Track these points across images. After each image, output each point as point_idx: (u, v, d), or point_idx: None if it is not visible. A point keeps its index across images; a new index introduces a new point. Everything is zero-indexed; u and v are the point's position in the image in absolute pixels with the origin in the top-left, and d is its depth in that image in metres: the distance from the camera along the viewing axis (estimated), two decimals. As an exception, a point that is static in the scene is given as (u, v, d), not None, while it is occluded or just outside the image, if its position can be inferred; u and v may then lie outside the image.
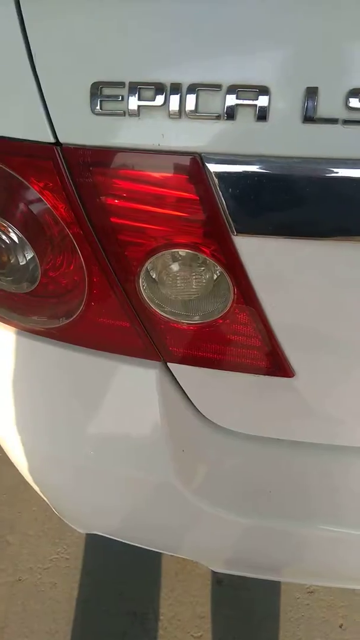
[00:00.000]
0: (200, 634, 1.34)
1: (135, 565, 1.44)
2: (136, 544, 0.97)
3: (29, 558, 1.47)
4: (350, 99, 0.45)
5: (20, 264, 0.63)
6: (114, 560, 1.45)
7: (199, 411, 0.76)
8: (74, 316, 0.65)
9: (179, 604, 1.37)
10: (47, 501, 0.96)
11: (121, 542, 1.02)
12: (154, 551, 1.42)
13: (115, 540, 1.03)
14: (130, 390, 0.72)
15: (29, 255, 0.63)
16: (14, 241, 0.60)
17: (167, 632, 1.34)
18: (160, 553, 1.45)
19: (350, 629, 1.33)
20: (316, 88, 0.45)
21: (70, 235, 0.59)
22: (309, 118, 0.46)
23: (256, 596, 1.38)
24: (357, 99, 0.45)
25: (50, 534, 1.52)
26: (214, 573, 1.41)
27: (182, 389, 0.73)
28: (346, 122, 0.46)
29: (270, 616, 1.35)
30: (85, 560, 1.46)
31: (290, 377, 0.67)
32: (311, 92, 0.46)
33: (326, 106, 0.46)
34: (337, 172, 0.47)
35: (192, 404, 0.75)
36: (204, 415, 0.76)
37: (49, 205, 0.57)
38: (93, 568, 1.45)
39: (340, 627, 1.34)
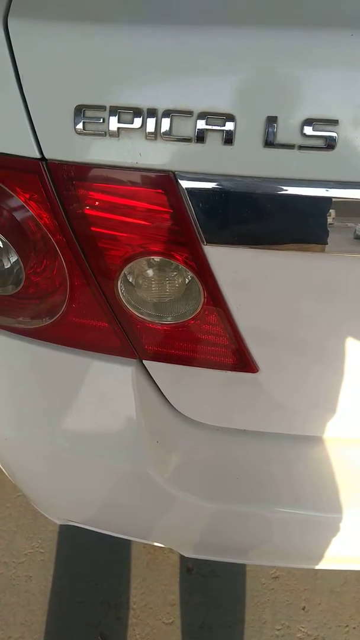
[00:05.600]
0: (171, 621, 1.39)
1: (108, 557, 1.48)
2: (111, 533, 1.00)
3: (4, 553, 1.50)
4: (305, 127, 0.52)
5: (5, 267, 0.67)
6: (87, 553, 1.49)
7: (172, 405, 0.81)
8: (56, 316, 0.70)
9: (150, 592, 1.43)
10: (23, 491, 0.99)
11: (94, 534, 1.05)
12: (125, 542, 1.48)
13: (89, 533, 1.05)
14: (108, 386, 0.77)
15: (13, 259, 0.67)
16: None
17: (140, 619, 1.39)
18: (132, 544, 1.50)
19: (312, 611, 1.41)
20: (276, 117, 0.52)
21: (53, 242, 0.64)
22: (269, 143, 0.52)
23: (224, 583, 1.44)
24: (311, 128, 0.51)
25: (24, 529, 1.54)
26: (183, 562, 1.46)
27: (157, 385, 0.78)
28: (301, 147, 0.52)
29: (238, 601, 1.42)
30: (59, 554, 1.50)
31: (254, 372, 0.74)
32: (271, 120, 0.52)
33: (284, 133, 0.52)
34: (293, 191, 0.54)
35: (166, 398, 0.80)
36: (176, 409, 0.82)
37: (33, 214, 0.62)
38: (67, 561, 1.49)
39: (303, 609, 1.42)
